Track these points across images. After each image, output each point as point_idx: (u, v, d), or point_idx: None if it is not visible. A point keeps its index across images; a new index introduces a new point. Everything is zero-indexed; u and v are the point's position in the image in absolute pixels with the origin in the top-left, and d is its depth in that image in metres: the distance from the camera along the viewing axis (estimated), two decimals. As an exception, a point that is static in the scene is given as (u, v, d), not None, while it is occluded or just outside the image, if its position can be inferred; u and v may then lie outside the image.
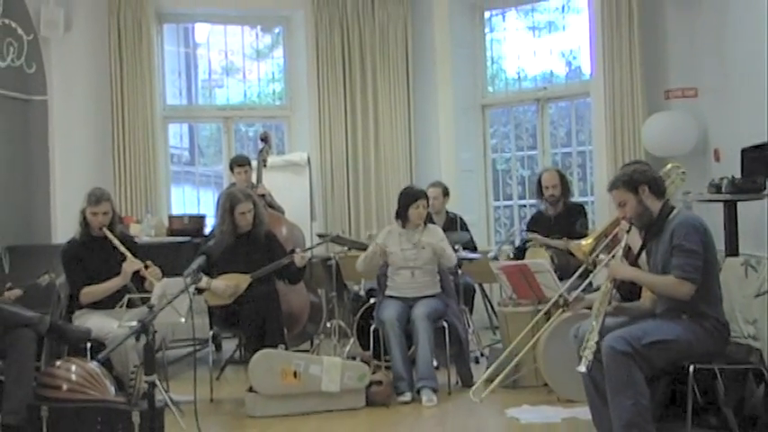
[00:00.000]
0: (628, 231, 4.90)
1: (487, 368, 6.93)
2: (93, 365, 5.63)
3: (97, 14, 9.68)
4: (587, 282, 5.84)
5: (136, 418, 5.13)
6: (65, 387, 5.45)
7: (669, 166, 5.50)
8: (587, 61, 9.55)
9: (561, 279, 6.54)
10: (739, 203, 6.53)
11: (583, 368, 4.51)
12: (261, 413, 6.10)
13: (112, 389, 5.54)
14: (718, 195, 6.49)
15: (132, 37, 9.73)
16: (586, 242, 5.36)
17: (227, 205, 6.91)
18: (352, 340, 7.72)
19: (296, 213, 9.04)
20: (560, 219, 7.59)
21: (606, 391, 4.57)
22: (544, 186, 7.69)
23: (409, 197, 6.93)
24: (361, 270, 7.22)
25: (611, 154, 8.79)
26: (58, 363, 5.69)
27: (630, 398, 4.43)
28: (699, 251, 4.54)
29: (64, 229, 8.53)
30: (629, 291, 5.00)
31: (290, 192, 9.33)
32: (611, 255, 5.05)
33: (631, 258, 4.92)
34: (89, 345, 6.08)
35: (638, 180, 4.73)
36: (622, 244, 4.90)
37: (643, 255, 4.91)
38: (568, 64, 10.41)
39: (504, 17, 10.63)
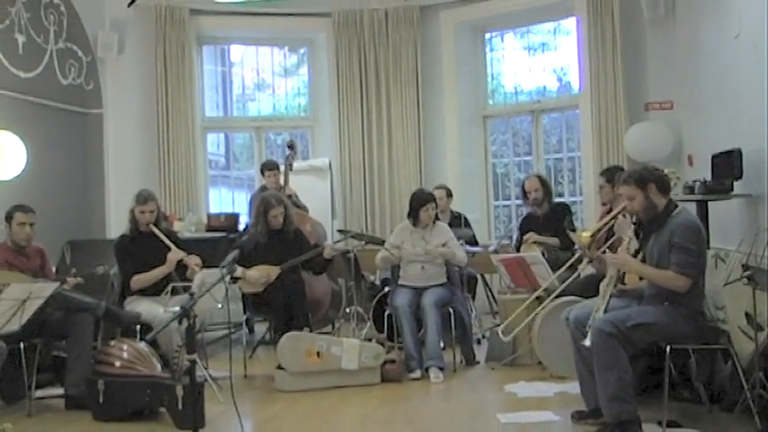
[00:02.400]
0: (631, 225, 4.88)
1: (488, 350, 7.00)
2: (142, 345, 5.71)
3: (146, 38, 9.72)
4: (579, 270, 5.87)
5: (179, 391, 5.15)
6: (118, 364, 5.51)
7: (666, 170, 5.51)
8: (576, 77, 9.54)
9: (552, 271, 6.58)
10: (710, 203, 6.51)
11: (588, 342, 4.53)
12: (288, 388, 6.12)
13: (159, 366, 5.61)
14: (692, 196, 6.48)
15: (176, 57, 9.77)
16: (585, 234, 5.39)
17: (262, 209, 6.92)
18: (368, 324, 7.73)
19: (319, 212, 9.07)
20: (548, 218, 7.55)
21: (594, 368, 4.58)
22: (527, 191, 7.67)
23: (420, 201, 6.93)
24: (380, 267, 7.25)
25: (598, 159, 8.77)
26: (112, 343, 5.77)
27: (615, 374, 4.43)
28: (696, 250, 4.54)
29: (117, 226, 8.59)
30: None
31: (314, 192, 9.34)
32: (607, 245, 5.06)
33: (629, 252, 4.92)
34: (138, 327, 6.13)
35: (648, 178, 4.69)
36: (628, 238, 4.88)
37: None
38: (559, 80, 10.39)
39: (502, 38, 10.61)
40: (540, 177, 7.77)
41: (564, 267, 6.28)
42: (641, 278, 4.85)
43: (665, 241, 4.61)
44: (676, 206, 4.74)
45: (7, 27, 8.05)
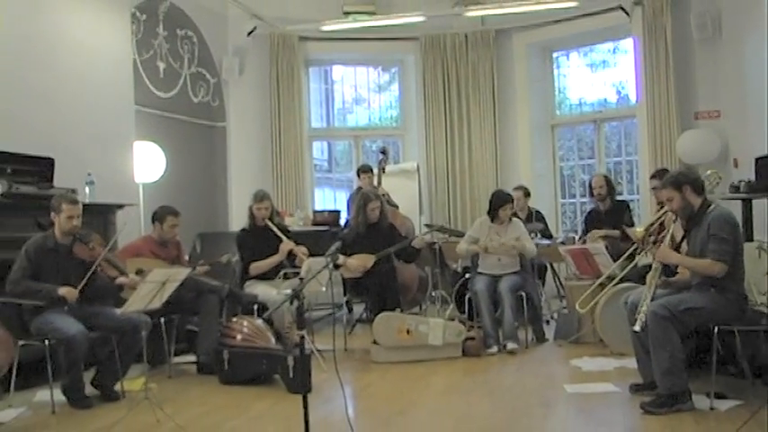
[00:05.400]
0: (674, 221, 4.81)
1: (556, 329, 6.97)
2: (260, 322, 5.82)
3: (262, 62, 9.92)
4: (636, 259, 5.78)
5: (290, 361, 5.23)
6: (239, 337, 5.64)
7: (709, 171, 5.42)
8: (633, 90, 9.39)
9: (615, 260, 6.51)
10: (754, 201, 6.39)
11: (637, 328, 4.49)
12: (382, 360, 6.16)
13: (273, 339, 5.70)
14: (738, 194, 6.34)
15: (286, 77, 9.94)
16: (640, 229, 5.32)
17: (362, 203, 6.95)
18: (451, 306, 7.74)
19: (408, 209, 9.10)
20: (610, 213, 7.46)
21: (649, 346, 4.53)
22: (593, 187, 7.60)
23: (500, 200, 6.88)
24: (461, 257, 7.23)
25: (653, 162, 8.62)
26: (235, 319, 5.88)
27: (668, 351, 4.38)
28: (730, 239, 4.45)
29: (238, 220, 8.79)
30: (668, 269, 4.92)
31: (404, 192, 9.36)
32: (660, 237, 4.98)
33: (675, 244, 4.84)
34: (256, 306, 6.25)
35: (682, 181, 4.62)
36: (669, 233, 4.82)
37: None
38: (618, 93, 10.20)
39: (568, 57, 10.49)
40: (605, 176, 7.70)
41: (623, 257, 6.22)
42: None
43: (704, 234, 4.53)
44: (710, 204, 4.66)
45: (151, 56, 8.35)
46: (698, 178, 4.74)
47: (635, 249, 5.90)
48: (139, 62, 8.08)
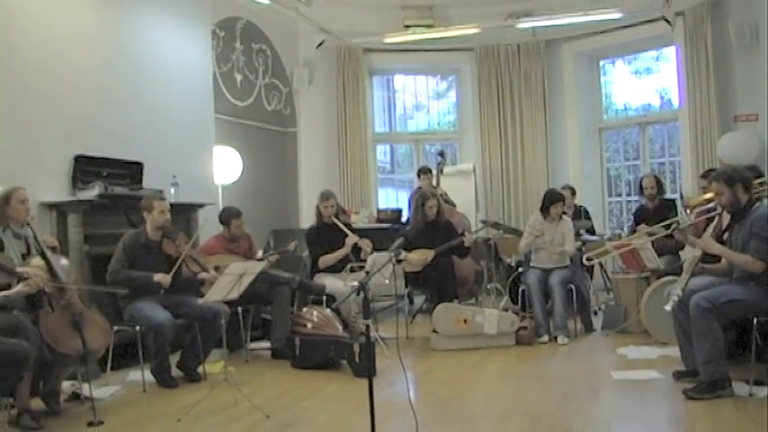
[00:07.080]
0: (720, 214, 4.70)
1: (603, 320, 6.87)
2: (328, 311, 5.86)
3: (330, 72, 9.99)
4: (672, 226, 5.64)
5: (356, 348, 5.28)
6: (309, 326, 5.70)
7: None
8: (676, 95, 9.24)
9: (660, 256, 6.39)
10: (792, 198, 6.19)
11: (668, 308, 4.43)
12: (441, 347, 6.17)
13: (340, 328, 5.73)
14: (774, 193, 6.16)
15: (352, 86, 10.01)
16: (707, 196, 5.17)
17: (420, 201, 6.93)
18: (505, 297, 7.69)
19: (465, 206, 9.07)
20: (658, 210, 7.31)
21: (692, 336, 4.45)
22: (644, 187, 7.46)
23: (551, 199, 6.82)
24: (523, 251, 7.15)
25: (695, 163, 8.51)
26: (305, 309, 5.95)
27: (710, 341, 4.30)
28: None
29: (307, 217, 8.84)
30: (711, 257, 4.80)
31: (461, 191, 9.33)
32: (706, 218, 4.85)
33: (718, 231, 4.70)
34: (324, 297, 6.29)
35: (735, 178, 4.50)
36: (713, 225, 4.70)
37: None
38: (661, 98, 10.01)
39: (614, 64, 10.33)
40: (656, 177, 7.56)
41: (658, 227, 6.06)
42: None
43: (747, 230, 4.41)
44: (756, 201, 4.53)
45: (229, 69, 8.50)
46: (749, 176, 4.62)
47: (671, 228, 5.77)
48: (218, 74, 8.22)
